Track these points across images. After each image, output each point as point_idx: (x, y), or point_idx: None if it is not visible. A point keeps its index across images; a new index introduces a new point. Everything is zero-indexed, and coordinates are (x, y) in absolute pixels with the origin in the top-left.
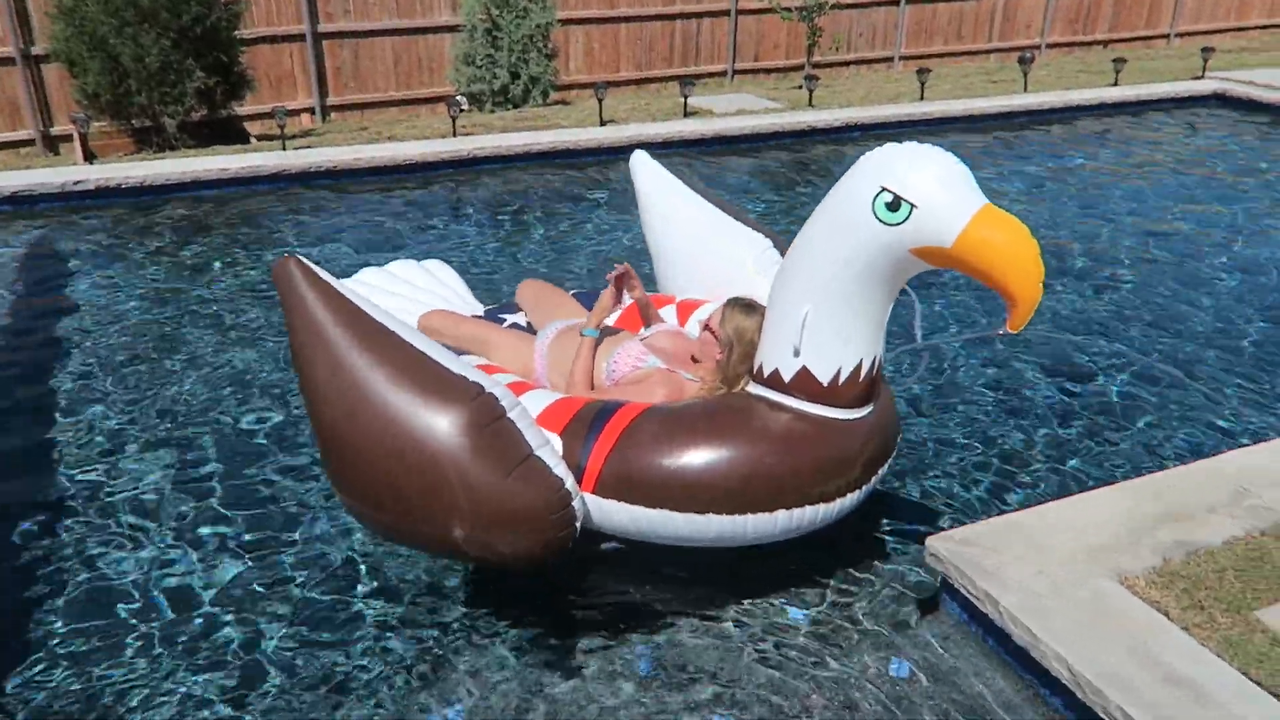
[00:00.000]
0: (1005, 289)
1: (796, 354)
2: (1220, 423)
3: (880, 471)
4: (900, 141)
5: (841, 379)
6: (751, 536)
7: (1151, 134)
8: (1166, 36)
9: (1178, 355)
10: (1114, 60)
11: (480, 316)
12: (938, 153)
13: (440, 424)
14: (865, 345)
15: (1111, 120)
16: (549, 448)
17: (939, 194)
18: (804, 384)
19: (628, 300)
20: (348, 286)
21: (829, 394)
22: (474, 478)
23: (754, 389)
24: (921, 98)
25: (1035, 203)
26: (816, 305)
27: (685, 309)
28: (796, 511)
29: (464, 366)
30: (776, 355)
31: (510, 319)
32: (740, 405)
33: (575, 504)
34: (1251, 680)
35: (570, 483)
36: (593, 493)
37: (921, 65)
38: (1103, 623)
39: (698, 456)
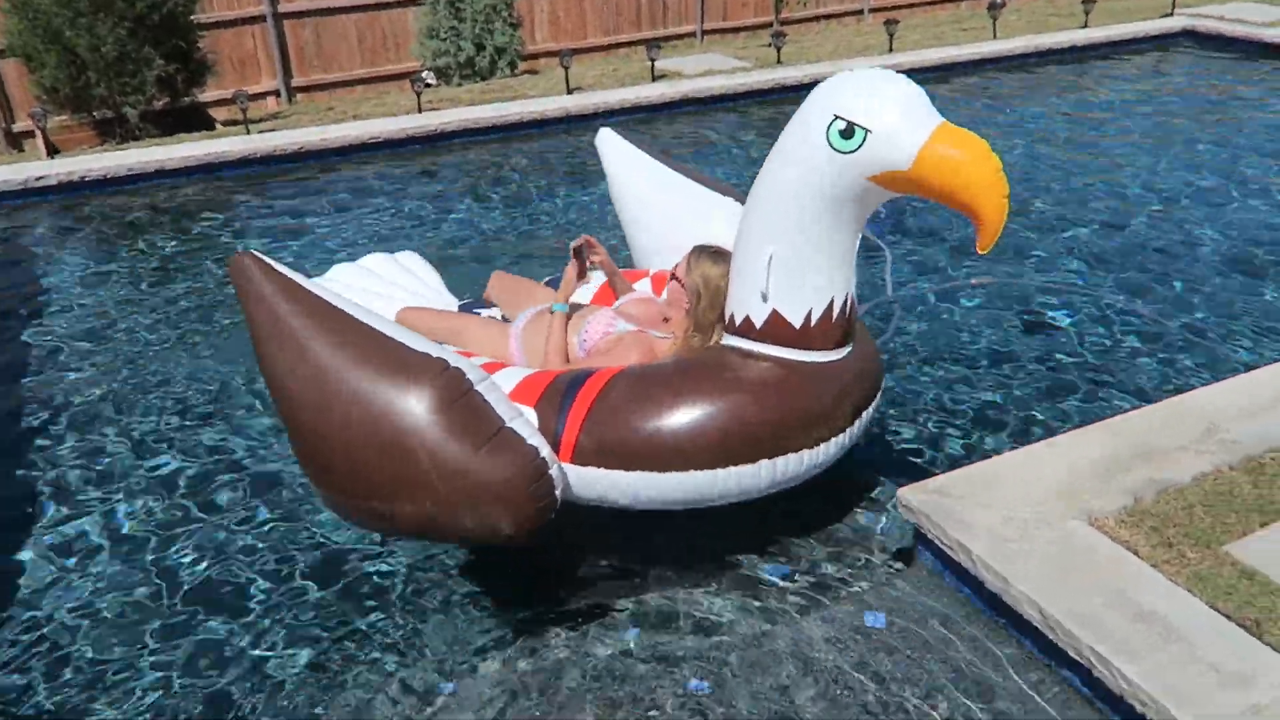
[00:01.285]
0: (969, 207)
1: (765, 298)
2: (1191, 361)
3: (866, 414)
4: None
5: (814, 320)
6: (736, 492)
7: (1122, 74)
8: None
9: (1151, 295)
10: (1083, 1)
11: (455, 311)
12: (889, 76)
13: (407, 403)
14: (835, 283)
15: (1082, 63)
16: (522, 419)
17: (892, 116)
18: (776, 329)
19: (597, 276)
20: (304, 277)
21: (802, 337)
22: (445, 454)
23: (727, 340)
24: (890, 49)
25: (1008, 150)
26: (780, 245)
27: (660, 280)
28: (780, 461)
29: (428, 344)
30: (746, 302)
31: (485, 313)
32: (713, 357)
33: (553, 473)
34: (1220, 613)
35: (546, 452)
36: (571, 461)
37: (891, 16)
38: (1073, 564)
39: (673, 413)
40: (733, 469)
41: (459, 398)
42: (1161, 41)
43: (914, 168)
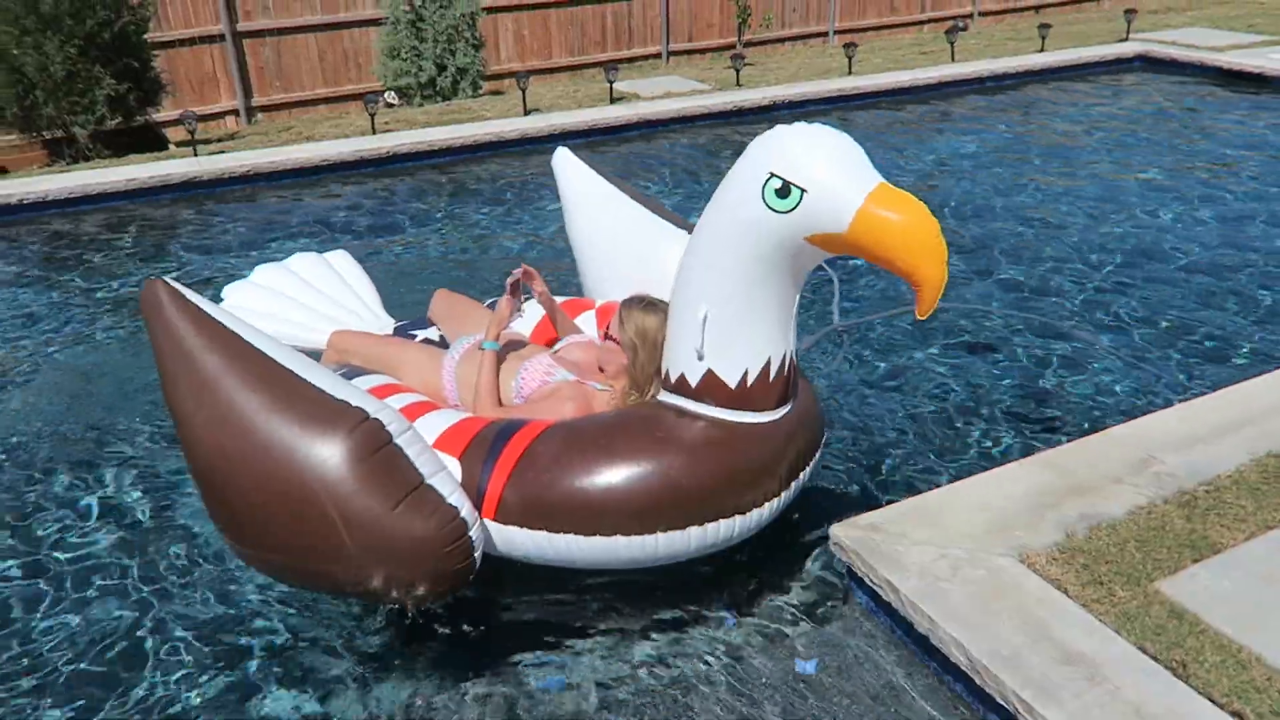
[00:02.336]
0: (907, 272)
1: (700, 357)
2: (1129, 388)
3: (803, 476)
4: (820, 120)
5: (750, 380)
6: (664, 556)
7: (1075, 98)
8: (1098, 0)
9: (1094, 320)
10: (1039, 26)
11: (391, 335)
12: (828, 132)
13: (318, 455)
14: (772, 343)
15: (1037, 87)
16: (444, 474)
17: (829, 176)
18: (711, 388)
19: (537, 308)
20: (221, 310)
21: (739, 397)
22: (357, 512)
23: (664, 396)
24: (850, 72)
25: (956, 174)
26: (715, 304)
27: (605, 313)
28: (711, 527)
29: (350, 390)
30: (681, 359)
31: (421, 334)
32: (646, 415)
33: (473, 533)
34: (1147, 654)
35: (467, 510)
36: (494, 519)
37: (855, 39)
38: (1001, 603)
39: (601, 474)
40: (660, 535)
41: (375, 451)
42: (1116, 66)
43: (851, 230)
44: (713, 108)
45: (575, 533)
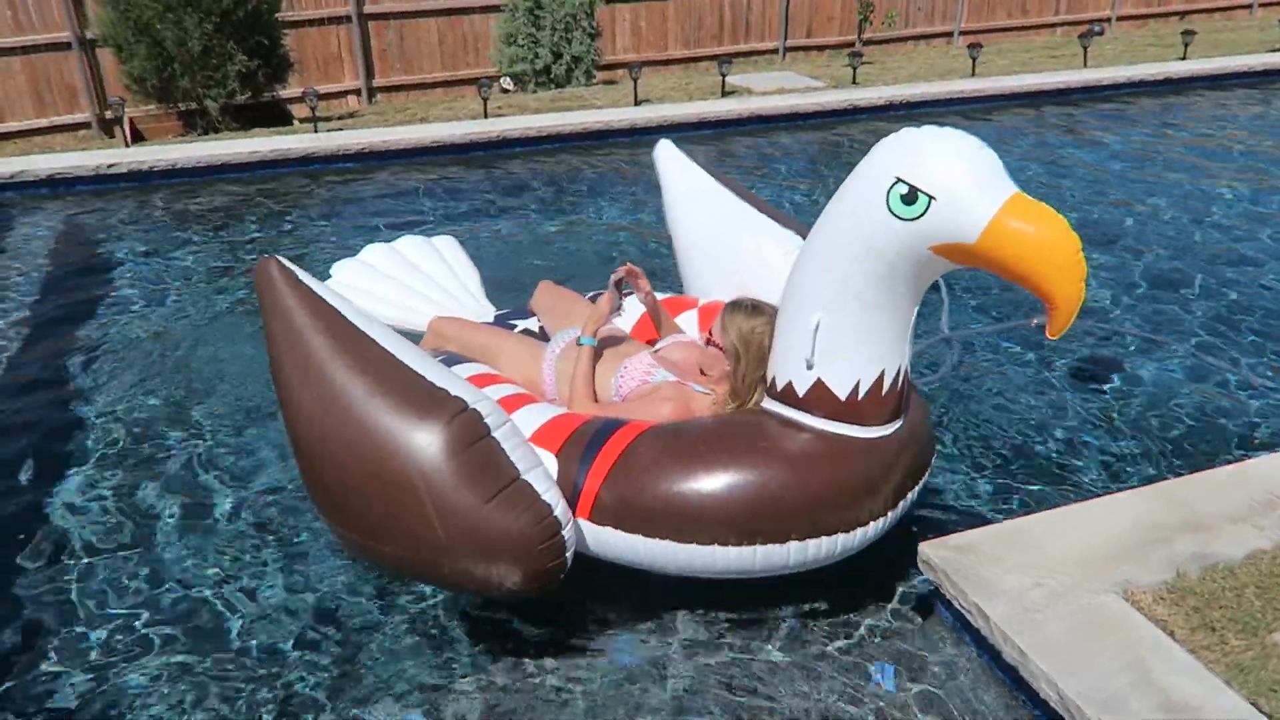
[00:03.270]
0: (1041, 289)
1: (810, 366)
2: (1266, 425)
3: (910, 496)
4: (939, 123)
5: (861, 393)
6: (761, 569)
7: (1217, 111)
8: (1249, 7)
9: (1234, 348)
10: (1183, 33)
11: (491, 323)
12: (959, 136)
13: (416, 443)
14: (887, 355)
15: (1175, 97)
16: (540, 470)
17: (960, 184)
18: (820, 399)
19: (635, 306)
20: (331, 291)
21: (848, 410)
22: (451, 503)
23: (768, 404)
24: (973, 74)
25: (1077, 185)
26: (829, 312)
27: (708, 313)
28: (812, 543)
29: (451, 379)
30: (789, 367)
31: (522, 325)
32: (749, 423)
33: (566, 533)
34: (1261, 711)
35: (561, 509)
36: (589, 519)
37: (981, 40)
38: (1099, 641)
39: (700, 481)
40: (759, 547)
41: (473, 443)
42: (1266, 78)
43: (981, 241)
44: (826, 105)
45: (671, 539)
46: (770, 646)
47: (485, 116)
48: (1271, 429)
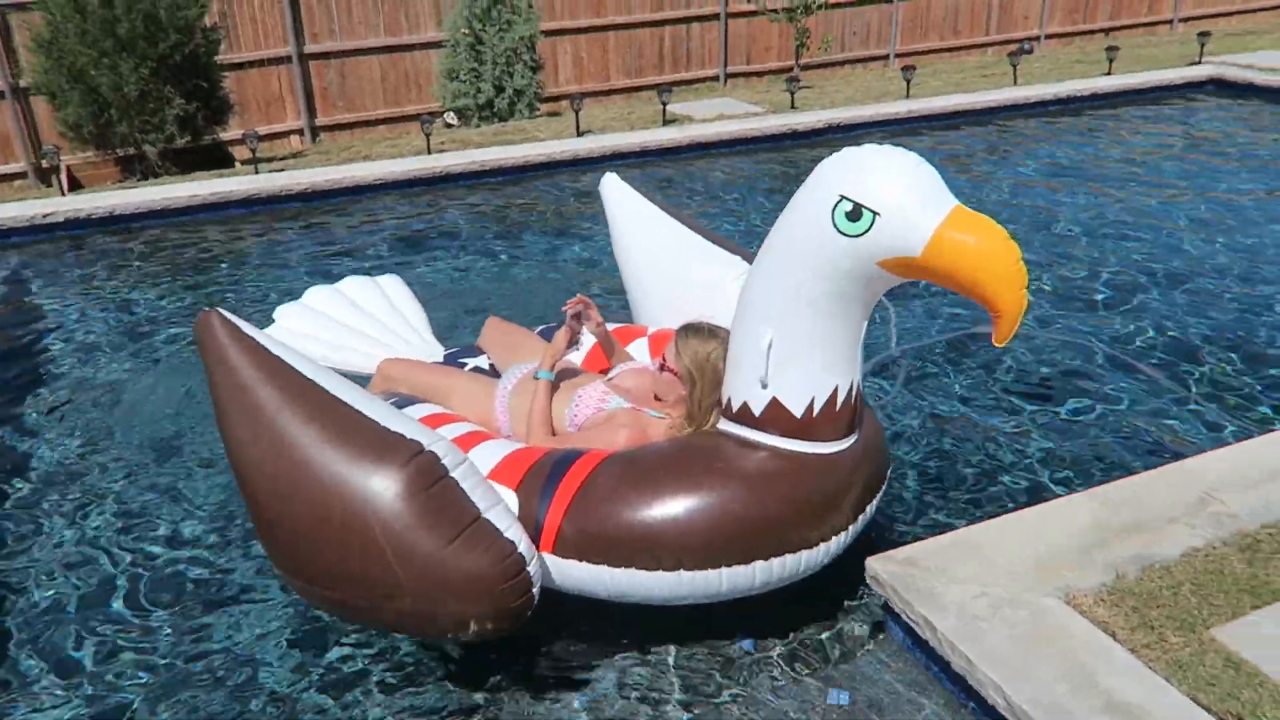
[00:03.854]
0: (984, 298)
1: (764, 385)
2: (1193, 424)
3: (869, 509)
4: (878, 143)
5: (817, 409)
6: (727, 592)
7: (1141, 123)
8: (1170, 22)
9: (1157, 353)
10: (1107, 49)
11: (441, 362)
12: (900, 154)
13: (372, 489)
14: (840, 371)
15: (1102, 110)
16: (501, 507)
17: (903, 199)
18: (776, 417)
19: (587, 338)
20: (275, 340)
21: (804, 427)
22: (411, 547)
23: (724, 425)
24: (908, 95)
25: (1016, 199)
26: (780, 330)
27: (658, 341)
28: (776, 562)
29: (405, 422)
30: (743, 387)
31: (472, 363)
32: (707, 445)
33: (531, 569)
34: (1200, 706)
35: (525, 545)
36: (552, 553)
37: (915, 63)
38: (1044, 646)
39: (663, 507)
40: (724, 570)
41: (431, 485)
42: (1187, 90)
43: (925, 254)
44: (765, 130)
45: (636, 567)
46: (721, 673)
47: (429, 152)
48: (1201, 429)
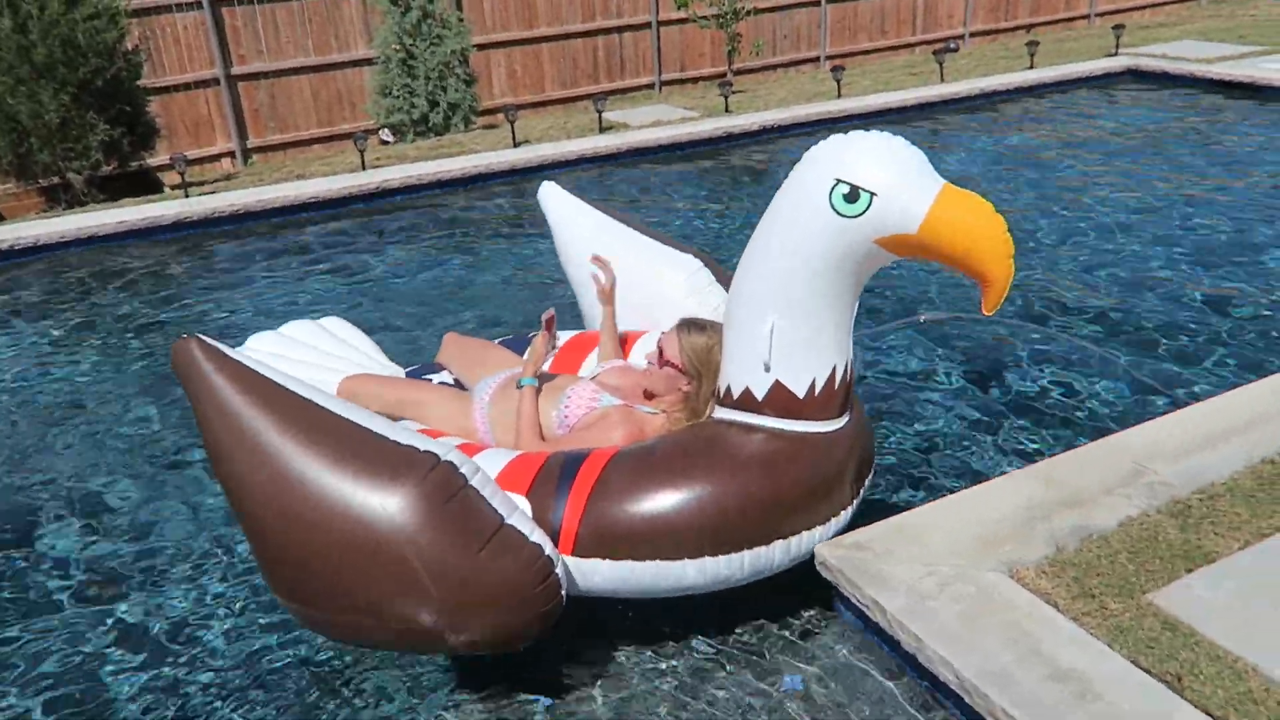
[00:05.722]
0: (977, 270)
1: (767, 369)
2: (1126, 398)
3: (866, 481)
4: (826, 136)
5: (818, 389)
6: (749, 574)
7: (1064, 114)
8: (1087, 17)
9: (1086, 330)
10: (1028, 44)
11: (406, 379)
12: (888, 138)
13: (394, 506)
14: (836, 350)
15: (1027, 103)
16: (520, 513)
17: (898, 179)
18: (779, 400)
19: (559, 343)
20: (262, 363)
21: (806, 407)
22: (441, 561)
23: (721, 414)
24: (839, 95)
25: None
26: (782, 314)
27: (623, 342)
28: (794, 540)
29: (412, 435)
30: (744, 374)
31: (436, 378)
32: (714, 433)
33: (559, 571)
34: (1140, 668)
35: (549, 549)
36: (572, 554)
37: (845, 63)
38: (989, 620)
39: (682, 498)
40: (747, 551)
41: (452, 496)
42: (1105, 81)
43: (921, 231)
44: (701, 134)
45: (661, 559)
46: (675, 666)
47: (364, 169)
48: (1132, 401)
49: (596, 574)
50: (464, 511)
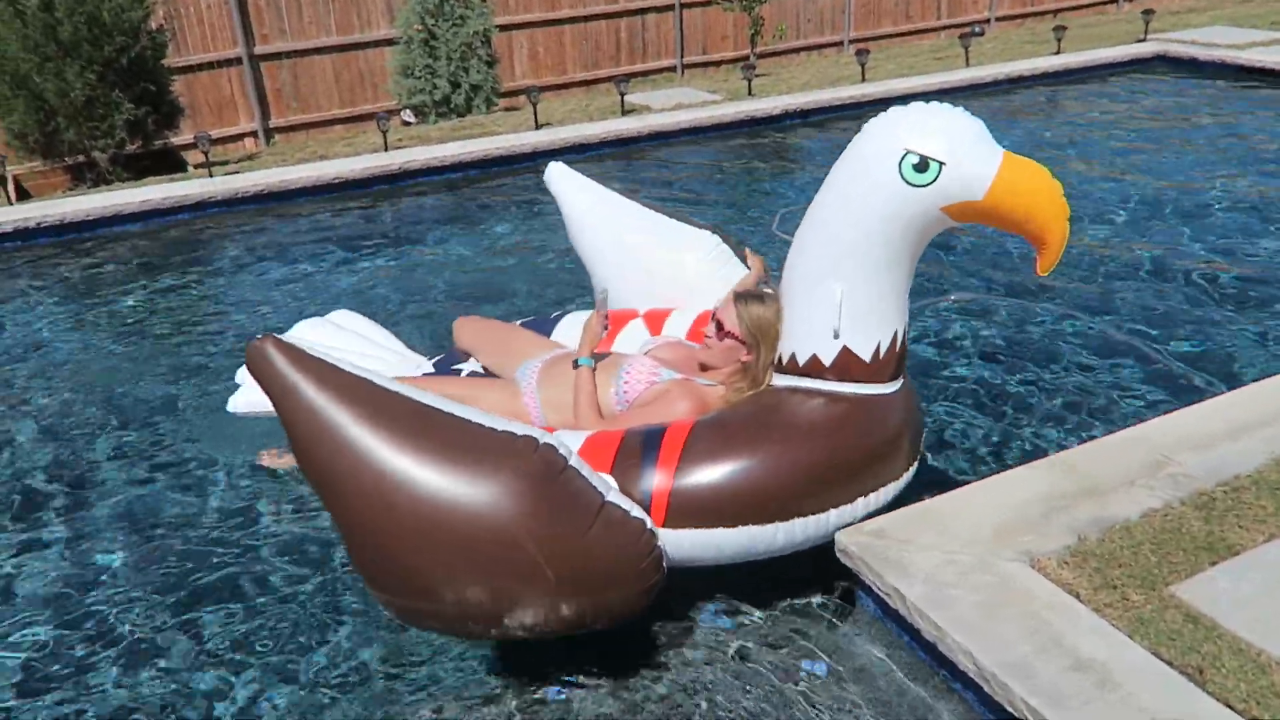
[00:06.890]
0: (1036, 233)
1: (836, 336)
2: (1152, 389)
3: (921, 440)
4: (838, 127)
5: (881, 353)
6: (834, 531)
7: (1092, 100)
8: (1116, 1)
9: (1114, 319)
10: (1054, 29)
11: (432, 373)
12: (949, 108)
13: (505, 492)
14: (897, 315)
15: (1053, 88)
16: (616, 490)
17: (965, 148)
18: (846, 365)
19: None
20: (339, 357)
21: (870, 371)
22: (553, 542)
23: (781, 380)
24: (863, 79)
25: None
26: (851, 281)
27: (653, 319)
28: (874, 496)
29: (506, 421)
30: (811, 341)
31: (466, 368)
32: (785, 400)
33: (660, 543)
34: (1162, 660)
35: (649, 522)
36: (663, 525)
37: (869, 47)
38: (1009, 610)
39: (769, 463)
40: (831, 512)
41: (557, 476)
42: (1134, 67)
43: (987, 197)
44: (723, 118)
45: (753, 523)
46: (694, 648)
47: (386, 150)
48: (1159, 392)
49: (691, 543)
50: (571, 492)
